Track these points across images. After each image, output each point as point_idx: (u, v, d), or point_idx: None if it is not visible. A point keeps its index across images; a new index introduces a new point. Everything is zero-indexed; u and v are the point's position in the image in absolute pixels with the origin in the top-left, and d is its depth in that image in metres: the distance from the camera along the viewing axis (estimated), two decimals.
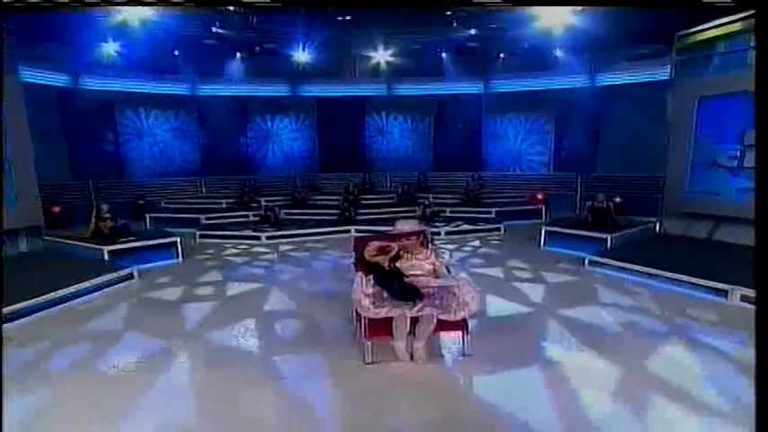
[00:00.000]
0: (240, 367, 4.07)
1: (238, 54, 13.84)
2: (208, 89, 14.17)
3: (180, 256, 8.17)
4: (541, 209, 11.92)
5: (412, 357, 4.05)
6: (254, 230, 10.04)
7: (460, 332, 4.16)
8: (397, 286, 3.97)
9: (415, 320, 3.97)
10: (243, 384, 3.79)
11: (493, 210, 11.47)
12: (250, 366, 4.10)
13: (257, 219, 10.88)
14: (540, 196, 12.58)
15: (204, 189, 14.25)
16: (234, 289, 6.41)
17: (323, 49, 14.18)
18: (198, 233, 10.04)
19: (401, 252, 4.23)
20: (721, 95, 7.97)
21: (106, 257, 7.27)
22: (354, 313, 4.44)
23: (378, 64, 14.91)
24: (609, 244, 7.73)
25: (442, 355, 4.22)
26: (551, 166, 14.65)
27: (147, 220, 11.33)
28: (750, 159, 7.61)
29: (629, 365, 3.98)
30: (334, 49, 14.28)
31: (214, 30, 11.81)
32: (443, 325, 4.02)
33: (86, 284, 6.01)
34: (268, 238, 9.69)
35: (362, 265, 4.42)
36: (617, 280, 6.48)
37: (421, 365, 4.00)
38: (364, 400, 3.54)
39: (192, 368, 4.10)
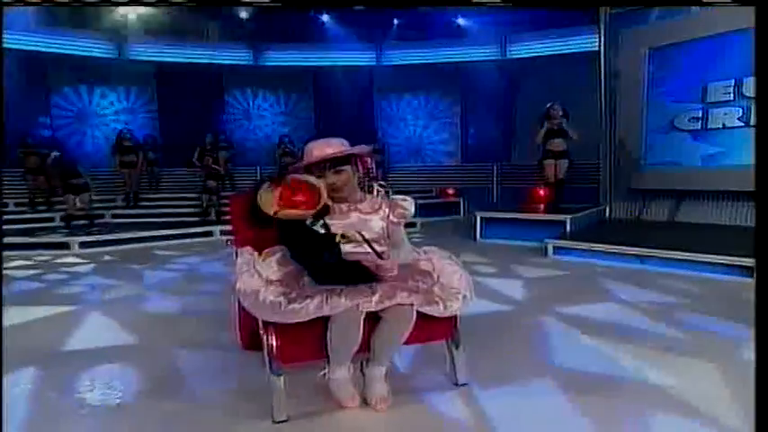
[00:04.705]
0: None
1: None
2: None
3: None
4: (459, 202, 11.24)
5: (366, 401, 2.37)
6: (64, 233, 8.07)
7: (446, 342, 2.58)
8: (334, 258, 2.28)
9: (369, 325, 2.30)
10: None
11: None
12: None
13: (64, 222, 8.58)
14: (450, 191, 11.78)
15: None
16: (19, 317, 4.10)
17: None
18: None
19: (326, 201, 2.48)
20: (674, 45, 7.51)
21: None
22: (240, 325, 2.66)
23: (239, 24, 13.03)
24: (569, 227, 6.78)
25: (417, 391, 2.58)
26: (459, 156, 13.95)
27: None
28: (716, 119, 7.17)
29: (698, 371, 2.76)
30: None
31: None
32: (421, 330, 2.39)
33: None
34: (83, 245, 7.46)
35: (251, 232, 2.62)
36: (598, 267, 5.50)
37: (385, 416, 2.32)
38: None
39: None
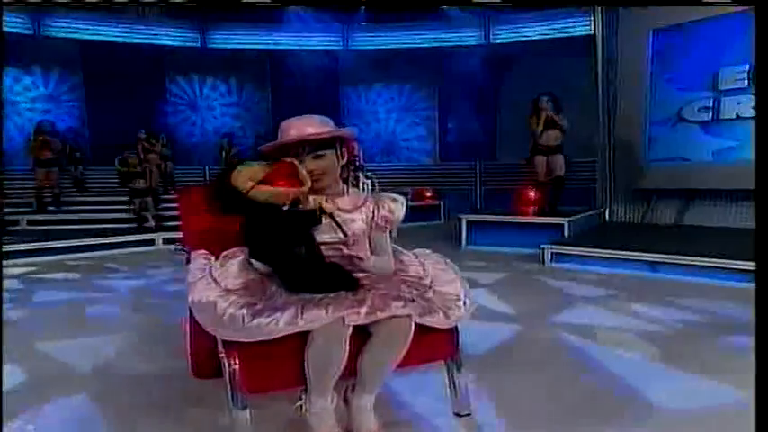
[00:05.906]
0: None
1: None
2: None
3: None
4: (438, 206, 11.44)
5: None
6: None
7: (446, 363, 2.41)
8: (307, 254, 2.14)
9: (356, 343, 2.11)
10: None
11: None
12: None
13: None
14: (427, 193, 11.96)
15: None
16: None
17: None
18: None
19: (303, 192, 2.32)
20: (681, 25, 7.58)
21: None
22: (192, 347, 2.53)
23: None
24: (567, 231, 6.80)
25: (412, 424, 2.46)
26: (437, 154, 14.04)
27: None
28: (729, 109, 7.25)
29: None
30: None
31: None
32: (419, 348, 2.21)
33: None
34: None
35: (205, 228, 2.44)
36: (603, 275, 5.56)
37: None
38: None
39: None
